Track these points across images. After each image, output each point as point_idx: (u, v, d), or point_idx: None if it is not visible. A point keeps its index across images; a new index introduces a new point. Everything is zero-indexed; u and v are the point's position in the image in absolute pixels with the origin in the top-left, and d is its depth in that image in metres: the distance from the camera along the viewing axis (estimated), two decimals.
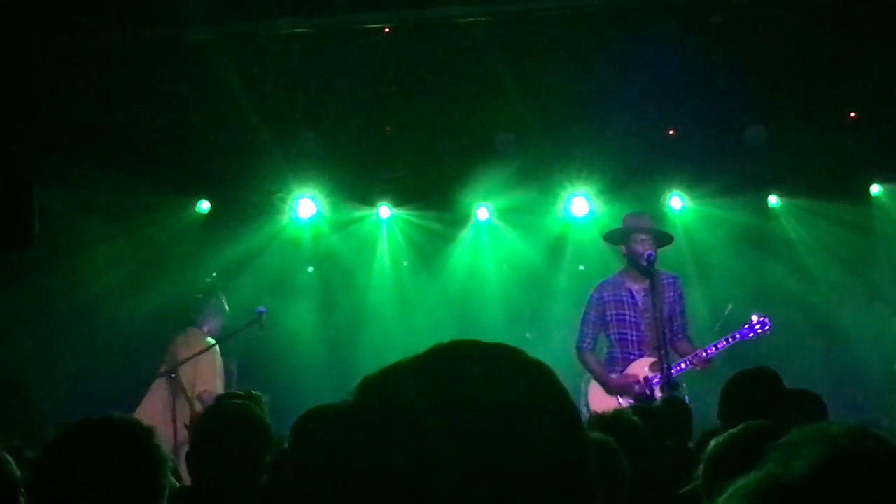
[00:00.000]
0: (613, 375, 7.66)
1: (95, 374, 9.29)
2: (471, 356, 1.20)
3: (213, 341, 8.45)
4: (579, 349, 7.87)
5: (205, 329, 8.62)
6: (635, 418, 4.13)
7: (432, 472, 1.10)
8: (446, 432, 1.11)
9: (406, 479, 1.11)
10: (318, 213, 10.53)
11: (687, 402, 7.42)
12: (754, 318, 7.69)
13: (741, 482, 1.19)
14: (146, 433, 2.65)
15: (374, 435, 1.15)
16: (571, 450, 1.16)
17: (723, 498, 1.27)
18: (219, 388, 8.20)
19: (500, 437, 1.12)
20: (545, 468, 1.13)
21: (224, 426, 3.88)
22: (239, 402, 4.39)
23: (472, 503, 1.10)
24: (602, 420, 4.17)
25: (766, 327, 7.64)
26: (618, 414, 4.28)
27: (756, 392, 4.47)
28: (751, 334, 7.62)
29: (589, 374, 7.82)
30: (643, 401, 7.07)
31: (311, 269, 11.03)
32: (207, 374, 8.28)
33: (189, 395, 8.08)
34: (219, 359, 8.49)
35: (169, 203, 10.13)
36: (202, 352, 8.21)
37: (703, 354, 7.50)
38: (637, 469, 3.38)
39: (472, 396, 1.14)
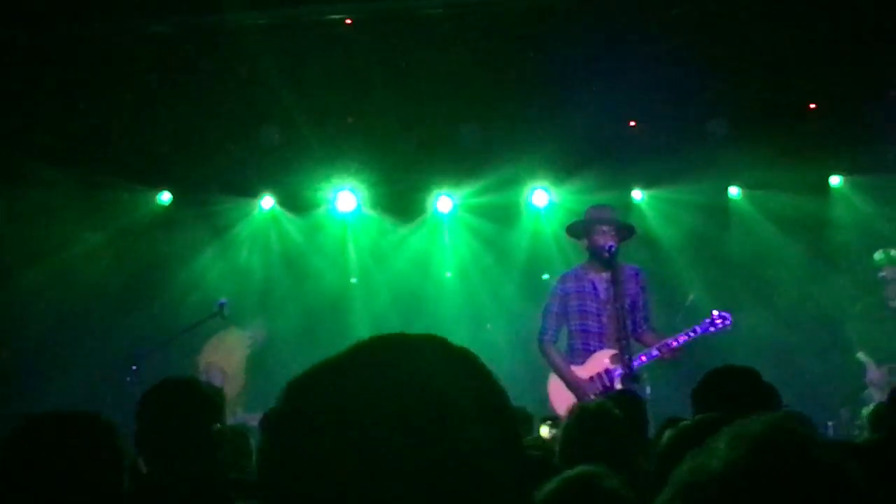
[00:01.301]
0: (575, 368, 7.59)
1: (73, 370, 9.26)
2: (393, 350, 1.19)
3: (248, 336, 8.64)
4: (541, 341, 7.72)
5: (247, 332, 8.77)
6: (616, 411, 4.17)
7: (363, 471, 1.10)
8: (373, 428, 1.10)
9: (336, 480, 1.10)
10: (279, 205, 10.53)
11: (648, 392, 7.46)
12: (715, 312, 7.68)
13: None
14: (105, 430, 2.61)
15: (301, 440, 1.13)
16: (499, 433, 1.16)
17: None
18: (238, 373, 8.28)
19: (425, 426, 1.11)
20: (474, 453, 1.12)
21: (168, 400, 3.82)
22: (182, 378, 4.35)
23: (401, 495, 1.10)
24: (585, 411, 4.21)
25: (727, 321, 7.62)
26: (600, 405, 4.32)
27: (730, 389, 4.47)
28: (711, 328, 7.60)
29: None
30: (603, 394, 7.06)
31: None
32: (228, 355, 8.37)
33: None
34: (243, 352, 8.59)
35: (130, 195, 10.08)
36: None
37: (674, 344, 7.45)
38: (616, 459, 3.42)
39: (398, 389, 1.13)
